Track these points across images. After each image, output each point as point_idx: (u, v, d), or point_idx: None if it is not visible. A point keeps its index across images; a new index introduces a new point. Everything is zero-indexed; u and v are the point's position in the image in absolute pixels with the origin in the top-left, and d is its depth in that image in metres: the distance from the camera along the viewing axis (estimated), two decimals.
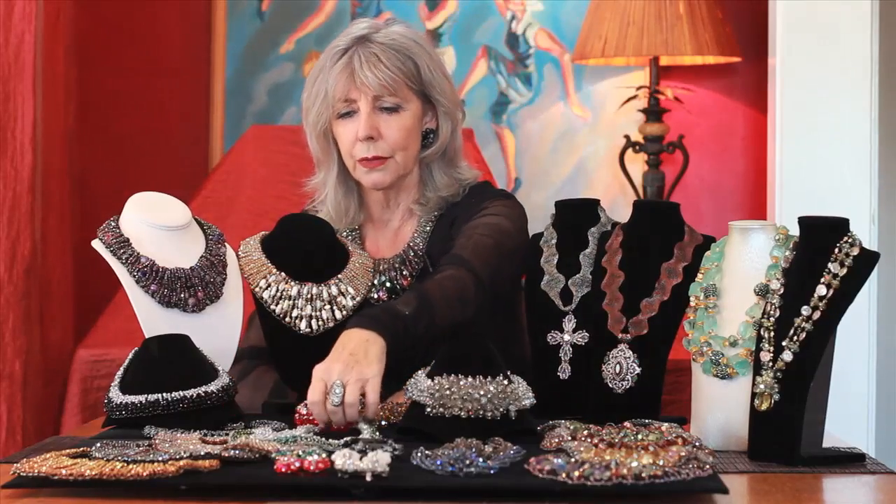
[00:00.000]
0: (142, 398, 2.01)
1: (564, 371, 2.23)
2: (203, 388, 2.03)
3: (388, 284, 2.42)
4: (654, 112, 4.09)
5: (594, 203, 2.34)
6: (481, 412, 1.89)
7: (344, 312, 2.25)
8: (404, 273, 2.43)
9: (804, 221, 1.93)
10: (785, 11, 3.59)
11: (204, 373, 2.07)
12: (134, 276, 2.20)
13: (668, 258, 2.16)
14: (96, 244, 2.25)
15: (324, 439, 1.87)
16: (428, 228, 2.46)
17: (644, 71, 4.18)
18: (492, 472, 1.65)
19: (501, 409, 1.90)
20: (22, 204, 3.25)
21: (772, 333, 1.88)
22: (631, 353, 2.13)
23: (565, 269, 2.28)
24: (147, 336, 2.12)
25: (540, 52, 4.25)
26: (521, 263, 2.37)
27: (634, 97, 4.12)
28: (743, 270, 1.99)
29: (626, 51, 3.96)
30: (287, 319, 2.24)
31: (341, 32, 2.44)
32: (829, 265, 1.87)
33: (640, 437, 1.72)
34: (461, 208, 2.44)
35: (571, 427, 1.87)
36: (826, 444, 1.91)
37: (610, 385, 2.13)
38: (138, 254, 2.21)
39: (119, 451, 1.72)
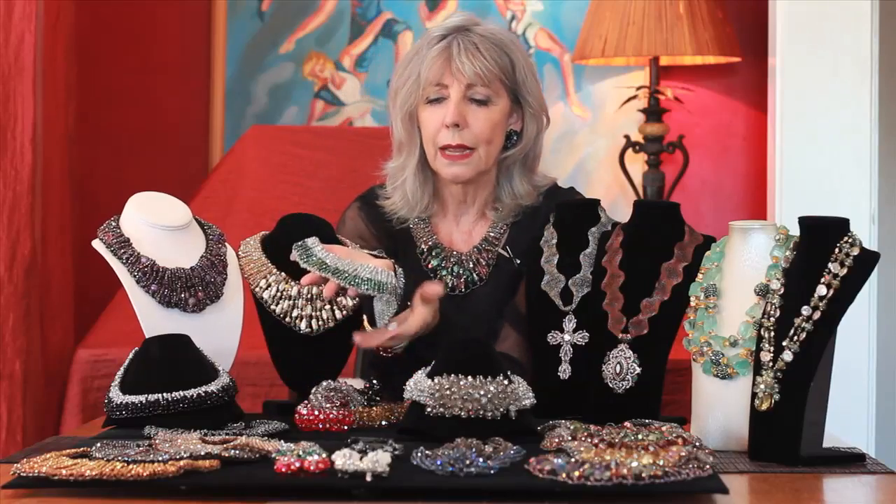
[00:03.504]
0: (142, 398, 2.01)
1: (565, 371, 2.23)
2: (203, 388, 2.03)
3: (465, 275, 2.44)
4: (654, 112, 4.09)
5: (594, 203, 2.34)
6: (481, 412, 1.89)
7: (344, 312, 2.25)
8: (482, 263, 2.45)
9: (804, 221, 1.93)
10: (785, 11, 3.59)
11: (204, 373, 2.06)
12: (134, 276, 2.20)
13: (669, 258, 2.16)
14: (97, 244, 2.25)
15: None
16: (503, 227, 2.48)
17: (644, 71, 4.18)
18: (492, 472, 1.65)
19: (501, 409, 1.90)
20: (22, 204, 3.25)
21: (772, 333, 1.88)
22: (631, 353, 2.13)
23: (566, 269, 2.28)
24: (147, 336, 2.12)
25: (540, 52, 4.25)
26: None
27: (634, 97, 4.12)
28: (743, 270, 1.99)
29: (626, 51, 3.96)
30: (287, 319, 2.24)
31: (435, 23, 2.48)
32: (830, 265, 1.87)
33: (640, 437, 1.72)
34: (543, 217, 2.42)
35: (571, 427, 1.87)
36: (826, 444, 1.91)
37: (610, 385, 2.13)
38: (139, 254, 2.21)
39: (119, 451, 1.72)
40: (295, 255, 2.15)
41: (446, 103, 2.39)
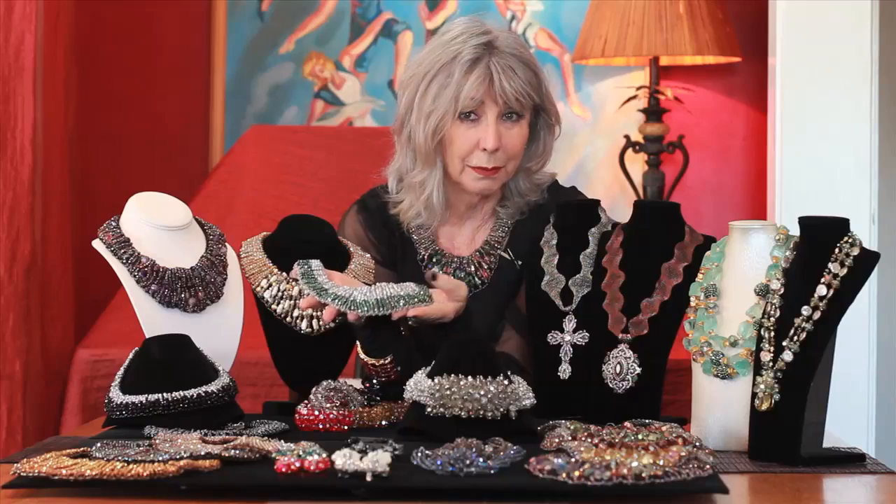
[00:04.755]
0: (142, 398, 2.01)
1: (565, 371, 2.23)
2: (203, 388, 2.03)
3: (466, 279, 2.43)
4: (654, 112, 4.09)
5: (594, 203, 2.35)
6: (481, 412, 1.89)
7: None
8: (483, 266, 2.45)
9: (804, 221, 1.93)
10: (785, 11, 3.59)
11: (204, 373, 2.06)
12: (134, 276, 2.20)
13: (669, 258, 2.16)
14: (97, 244, 2.25)
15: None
16: (507, 228, 2.47)
17: (644, 71, 4.18)
18: (492, 472, 1.65)
19: (501, 409, 1.90)
20: (22, 204, 3.25)
21: (772, 333, 1.88)
22: (631, 353, 2.13)
23: (566, 269, 2.28)
24: (147, 336, 2.12)
25: (540, 52, 4.25)
26: None
27: (634, 97, 4.12)
28: (743, 270, 1.99)
29: (626, 51, 3.96)
30: (288, 319, 2.24)
31: (448, 35, 2.40)
32: (830, 265, 1.87)
33: (640, 437, 1.72)
34: (546, 214, 2.41)
35: (571, 427, 1.87)
36: (826, 444, 1.91)
37: (610, 385, 2.13)
38: (139, 254, 2.21)
39: (119, 451, 1.72)
40: (297, 273, 2.15)
41: (479, 123, 2.37)
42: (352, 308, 2.10)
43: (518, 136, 2.41)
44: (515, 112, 2.39)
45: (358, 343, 2.23)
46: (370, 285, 2.16)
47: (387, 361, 2.19)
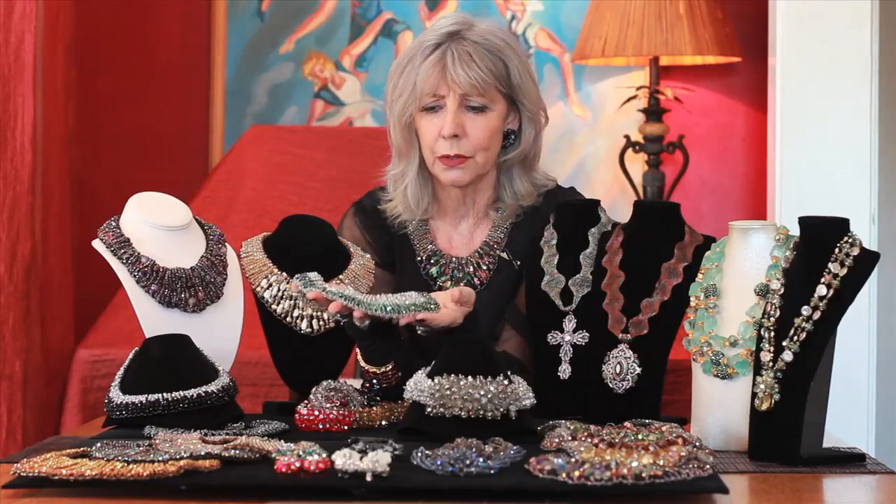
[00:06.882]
0: (142, 398, 2.01)
1: (565, 371, 2.23)
2: (203, 388, 2.03)
3: (465, 279, 2.42)
4: (654, 112, 4.09)
5: (594, 203, 2.34)
6: (481, 412, 1.89)
7: None
8: (482, 267, 2.44)
9: (804, 221, 1.93)
10: (785, 11, 3.59)
11: (204, 373, 2.06)
12: (134, 276, 2.20)
13: (669, 258, 2.16)
14: (97, 244, 2.25)
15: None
16: (504, 229, 2.46)
17: (644, 71, 4.18)
18: (492, 472, 1.65)
19: (501, 409, 1.90)
20: (22, 204, 3.25)
21: (772, 333, 1.88)
22: (631, 353, 2.13)
23: (566, 269, 2.28)
24: (147, 336, 2.13)
25: (540, 52, 4.25)
26: None
27: (634, 97, 4.12)
28: (743, 270, 1.99)
29: (626, 51, 3.96)
30: (288, 319, 2.25)
31: (427, 29, 2.45)
32: (829, 265, 1.87)
33: (640, 437, 1.72)
34: (544, 217, 2.40)
35: (571, 427, 1.87)
36: (826, 444, 1.91)
37: (610, 385, 2.13)
38: (139, 254, 2.21)
39: (119, 451, 1.72)
40: (297, 285, 2.14)
41: (442, 112, 2.37)
42: (359, 305, 2.09)
43: (483, 126, 2.38)
44: (479, 104, 2.37)
45: (358, 351, 2.23)
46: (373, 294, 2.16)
47: (387, 369, 2.19)
